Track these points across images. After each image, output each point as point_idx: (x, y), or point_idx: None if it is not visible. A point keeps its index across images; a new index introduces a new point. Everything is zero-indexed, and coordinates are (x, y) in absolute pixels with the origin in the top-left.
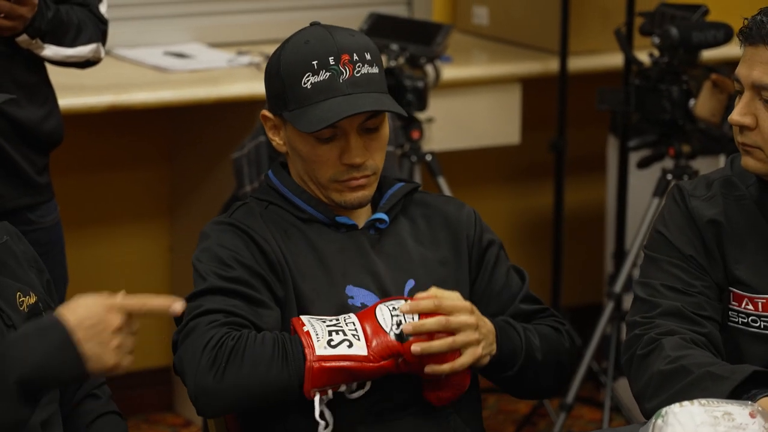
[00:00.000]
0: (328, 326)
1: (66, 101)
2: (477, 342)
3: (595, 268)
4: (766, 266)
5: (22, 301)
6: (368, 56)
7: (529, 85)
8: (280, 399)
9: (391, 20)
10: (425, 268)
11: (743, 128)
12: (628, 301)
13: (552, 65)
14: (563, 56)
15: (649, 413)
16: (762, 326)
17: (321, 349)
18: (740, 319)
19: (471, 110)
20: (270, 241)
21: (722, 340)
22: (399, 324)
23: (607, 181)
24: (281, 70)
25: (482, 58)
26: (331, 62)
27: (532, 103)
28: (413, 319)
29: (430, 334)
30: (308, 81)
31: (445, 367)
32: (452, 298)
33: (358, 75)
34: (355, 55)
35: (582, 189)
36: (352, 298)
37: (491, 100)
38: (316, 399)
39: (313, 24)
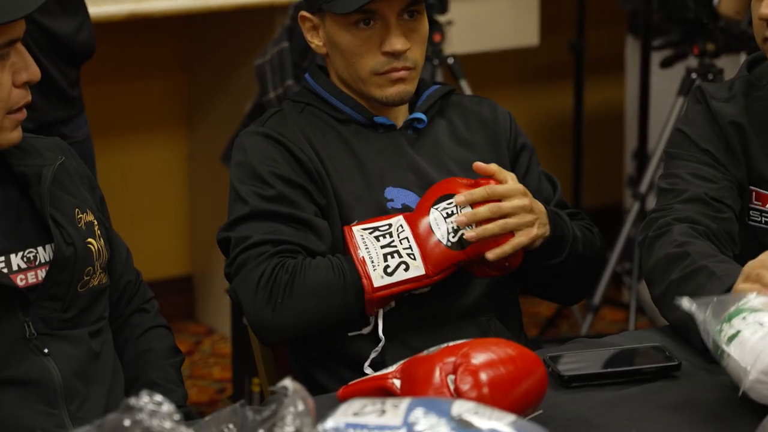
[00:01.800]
0: (383, 247)
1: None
2: (531, 223)
3: (614, 169)
4: None
5: (80, 218)
6: None
7: None
8: (339, 320)
9: None
10: (463, 169)
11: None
12: (651, 203)
13: None
14: None
15: (655, 298)
16: None
17: (378, 279)
18: (764, 218)
19: (490, 12)
20: (306, 149)
21: (742, 239)
22: (456, 231)
23: (626, 82)
24: None
25: None
26: None
27: (551, 5)
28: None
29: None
30: None
31: (507, 246)
32: (507, 179)
33: None
34: None
35: (601, 90)
36: (391, 201)
37: (509, 2)
38: (380, 317)
39: None
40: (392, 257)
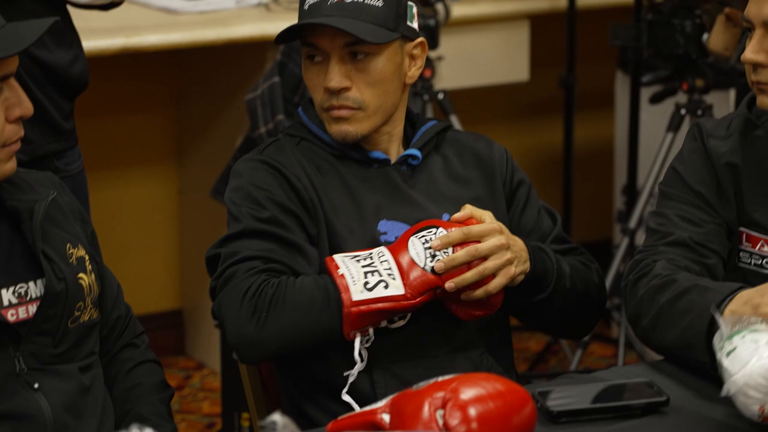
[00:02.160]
0: (363, 267)
1: None
2: (509, 262)
3: (604, 204)
4: None
5: (72, 253)
6: None
7: (538, 22)
8: (322, 342)
9: None
10: (457, 206)
11: (757, 66)
12: (640, 238)
13: (560, 1)
14: None
15: (643, 330)
16: None
17: (357, 293)
18: (753, 260)
19: (480, 48)
20: (302, 178)
21: (732, 281)
22: (434, 256)
23: (615, 117)
24: None
25: None
26: None
27: (541, 40)
28: (445, 253)
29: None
30: (306, 3)
31: (479, 291)
32: (483, 218)
33: (348, 1)
34: None
35: (591, 125)
36: (384, 233)
37: (500, 38)
38: (357, 340)
39: None
40: (372, 275)
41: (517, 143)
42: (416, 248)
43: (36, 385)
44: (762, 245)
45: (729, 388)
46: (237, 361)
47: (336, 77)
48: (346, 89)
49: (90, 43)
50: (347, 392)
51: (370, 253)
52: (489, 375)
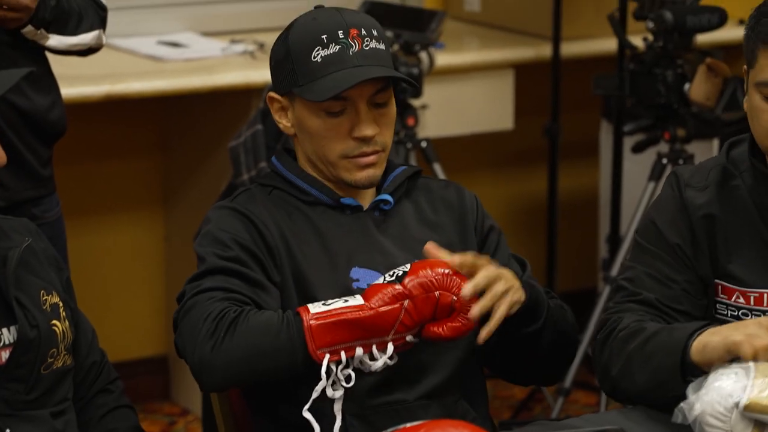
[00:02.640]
0: (324, 303)
1: (62, 91)
2: (505, 292)
3: (588, 253)
4: (758, 261)
5: (45, 299)
6: (375, 33)
7: (522, 71)
8: (284, 366)
9: (384, 7)
10: None
11: None
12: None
13: (545, 51)
14: (556, 41)
15: (614, 380)
16: None
17: (315, 308)
18: (729, 312)
19: (465, 96)
20: (270, 226)
21: None
22: (393, 274)
23: (600, 166)
24: (290, 47)
25: (474, 45)
26: (341, 36)
27: (526, 89)
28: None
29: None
30: (318, 54)
31: (492, 324)
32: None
33: (366, 49)
34: (363, 29)
35: (575, 174)
36: (357, 281)
37: (485, 86)
38: (325, 360)
39: (317, 7)
40: (334, 301)
41: (502, 192)
42: (380, 279)
43: (7, 431)
44: (737, 297)
45: (686, 414)
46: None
47: (372, 125)
48: (375, 135)
49: (75, 90)
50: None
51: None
52: (457, 422)
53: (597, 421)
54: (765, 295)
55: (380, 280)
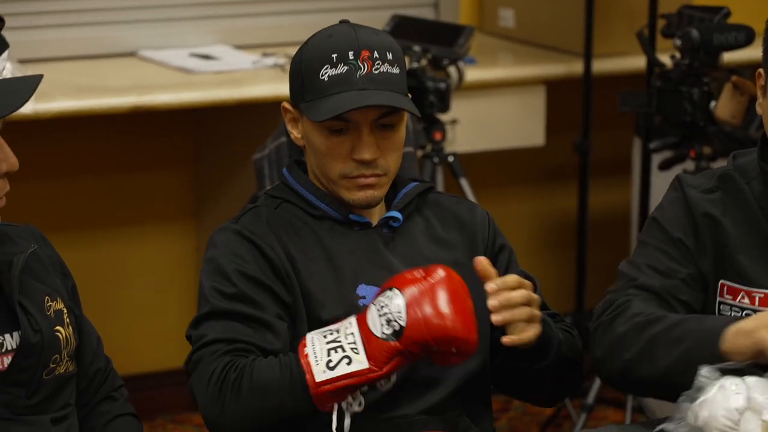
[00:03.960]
0: (328, 342)
1: (89, 102)
2: (538, 319)
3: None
4: (763, 262)
5: (50, 305)
6: (389, 56)
7: (554, 87)
8: (292, 418)
9: (413, 22)
10: None
11: None
12: None
13: (576, 67)
14: (587, 58)
15: (623, 366)
16: None
17: (320, 374)
18: (733, 312)
19: (495, 112)
20: (275, 248)
21: None
22: (389, 321)
23: (632, 183)
24: (302, 61)
25: (507, 60)
26: (351, 57)
27: (557, 105)
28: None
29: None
30: (326, 73)
31: (524, 336)
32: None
33: (376, 72)
34: (375, 52)
35: (607, 191)
36: (363, 298)
37: (515, 102)
38: (334, 413)
39: (342, 22)
40: (335, 352)
41: (532, 208)
42: (372, 318)
43: None
44: (742, 297)
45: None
46: None
47: (371, 149)
48: (378, 158)
49: (101, 101)
50: None
51: (339, 327)
52: None
53: None
54: None
55: (376, 327)
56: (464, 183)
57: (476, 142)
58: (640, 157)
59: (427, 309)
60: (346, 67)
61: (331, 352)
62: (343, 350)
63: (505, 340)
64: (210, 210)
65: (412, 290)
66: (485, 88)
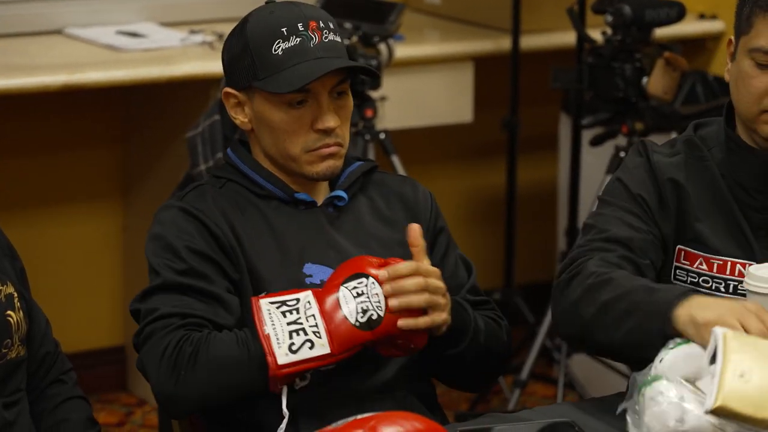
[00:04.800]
0: (289, 323)
1: (19, 81)
2: (444, 307)
3: (547, 246)
4: (724, 230)
5: (0, 290)
6: (331, 25)
7: (482, 64)
8: (245, 394)
9: None
10: (384, 247)
11: None
12: None
13: (504, 44)
14: (515, 34)
15: (579, 331)
16: (713, 287)
17: (282, 356)
18: (689, 278)
19: (424, 89)
20: (221, 225)
21: None
22: (365, 311)
23: (559, 159)
24: (249, 41)
25: (434, 37)
26: (300, 28)
27: (485, 82)
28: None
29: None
30: (279, 47)
31: (420, 321)
32: (428, 261)
33: (326, 41)
34: (320, 22)
35: (534, 167)
36: (310, 276)
37: (444, 79)
38: (284, 393)
39: (269, 1)
40: (297, 334)
41: (460, 184)
42: (346, 300)
43: None
44: (700, 263)
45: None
46: None
47: (333, 117)
48: (337, 127)
49: (33, 79)
50: None
51: (297, 301)
52: (407, 413)
53: (549, 413)
54: (729, 263)
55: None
56: (396, 160)
57: (405, 119)
58: (569, 133)
59: None
60: (298, 39)
61: (293, 335)
62: (305, 333)
63: (400, 323)
64: (138, 189)
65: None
66: (414, 64)
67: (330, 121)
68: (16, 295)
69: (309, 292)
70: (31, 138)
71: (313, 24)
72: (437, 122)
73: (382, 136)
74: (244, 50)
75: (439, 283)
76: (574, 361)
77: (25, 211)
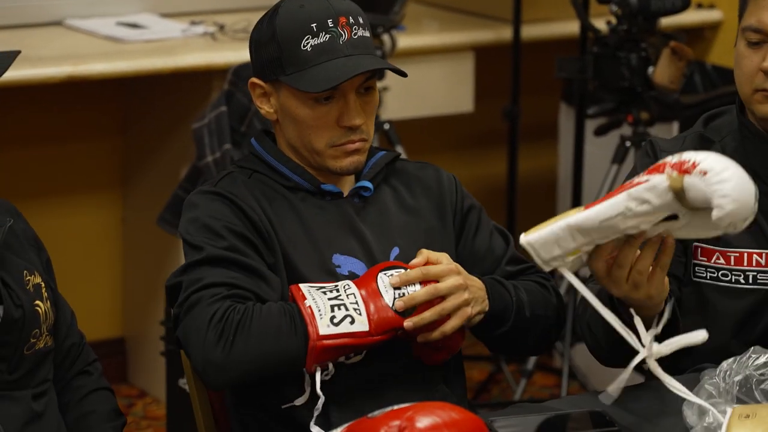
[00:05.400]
0: (329, 299)
1: (23, 72)
2: (467, 303)
3: None
4: None
5: (28, 280)
6: (361, 20)
7: (483, 54)
8: (288, 370)
9: None
10: (410, 236)
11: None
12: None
13: (505, 33)
14: (516, 24)
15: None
16: (733, 280)
17: (324, 327)
18: (709, 273)
19: (425, 79)
20: (256, 209)
21: (688, 294)
22: (402, 295)
23: (559, 149)
24: (277, 34)
25: (434, 27)
26: (330, 24)
27: (486, 72)
28: (405, 293)
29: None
30: (308, 43)
31: (436, 333)
32: (440, 260)
33: (355, 37)
34: (350, 17)
35: (534, 157)
36: (338, 267)
37: (445, 69)
38: (318, 374)
39: None
40: (338, 309)
41: (461, 174)
42: (386, 287)
43: None
44: (717, 257)
45: None
46: (186, 392)
47: (360, 114)
48: (363, 123)
49: (37, 71)
50: (304, 426)
51: (336, 286)
52: (444, 404)
53: (578, 403)
54: (745, 254)
55: (388, 294)
56: (400, 150)
57: (406, 110)
58: (573, 124)
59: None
60: (328, 35)
61: (335, 308)
62: (346, 308)
63: (419, 339)
64: (138, 180)
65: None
66: (414, 55)
67: (356, 119)
68: (43, 285)
69: (347, 281)
70: (31, 129)
71: (342, 20)
72: (438, 112)
73: (387, 126)
74: (271, 43)
75: (454, 281)
76: (576, 351)
77: (26, 202)
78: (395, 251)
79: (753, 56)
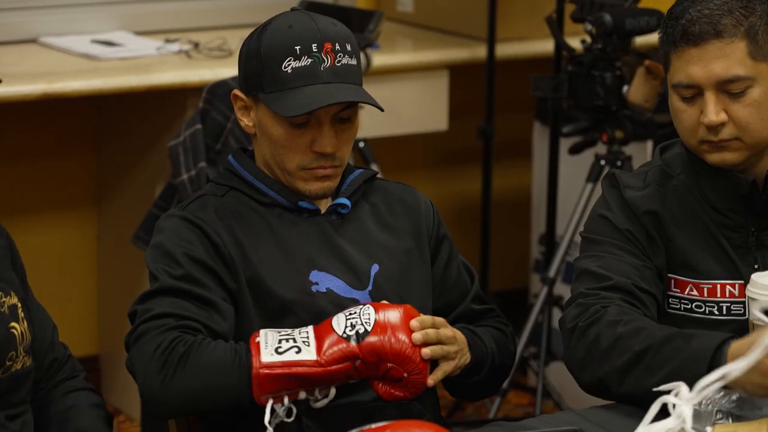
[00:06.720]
0: (281, 335)
1: None
2: (455, 354)
3: (521, 253)
4: (708, 253)
5: (3, 301)
6: (348, 47)
7: (457, 72)
8: (232, 406)
9: (322, 7)
10: (389, 254)
11: (719, 126)
12: (559, 287)
13: (479, 52)
14: (491, 43)
15: (604, 378)
16: (707, 311)
17: (267, 356)
18: (683, 305)
19: (399, 97)
20: (222, 234)
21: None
22: (353, 326)
23: (533, 167)
24: (261, 51)
25: (408, 45)
26: (314, 49)
27: (460, 90)
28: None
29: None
30: (289, 65)
31: (438, 373)
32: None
33: (338, 65)
34: (337, 44)
35: (508, 175)
36: (316, 284)
37: (419, 87)
38: (268, 405)
39: (294, 9)
40: (286, 342)
41: (436, 192)
42: (338, 320)
43: None
44: (690, 289)
45: None
46: None
47: (332, 141)
48: (335, 151)
49: (12, 88)
50: None
51: (294, 330)
52: (422, 422)
53: (554, 421)
54: (718, 285)
55: (339, 326)
56: (375, 168)
57: (381, 128)
58: (547, 142)
59: (397, 325)
60: (309, 60)
61: (282, 341)
62: (295, 341)
63: (429, 382)
64: (113, 198)
65: (388, 311)
66: (389, 73)
67: (328, 147)
68: (20, 305)
69: (309, 326)
70: (6, 147)
71: (328, 46)
72: (412, 130)
73: (362, 144)
74: (256, 59)
75: (448, 332)
76: (551, 369)
77: (0, 219)
78: (375, 268)
79: (690, 110)
